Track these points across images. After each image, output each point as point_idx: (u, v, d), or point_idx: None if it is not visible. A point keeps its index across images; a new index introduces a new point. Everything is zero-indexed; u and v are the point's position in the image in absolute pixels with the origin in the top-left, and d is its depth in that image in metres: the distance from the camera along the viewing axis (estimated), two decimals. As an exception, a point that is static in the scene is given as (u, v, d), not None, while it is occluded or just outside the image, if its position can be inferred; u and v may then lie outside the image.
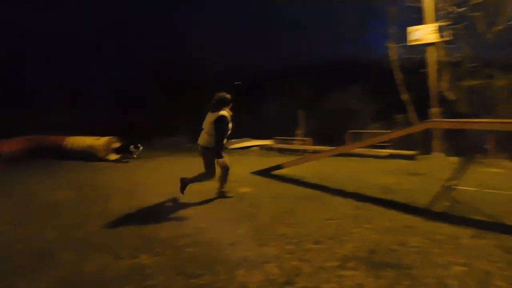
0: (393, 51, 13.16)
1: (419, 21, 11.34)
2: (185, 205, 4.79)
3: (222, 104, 4.68)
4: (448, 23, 11.21)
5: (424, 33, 10.74)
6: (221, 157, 4.67)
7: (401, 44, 12.52)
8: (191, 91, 19.69)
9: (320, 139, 12.90)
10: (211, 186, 5.35)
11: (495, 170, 7.02)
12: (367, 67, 15.64)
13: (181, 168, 8.28)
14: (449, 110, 11.74)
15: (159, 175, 7.39)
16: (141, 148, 9.92)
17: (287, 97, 16.23)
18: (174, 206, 4.80)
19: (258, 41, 22.97)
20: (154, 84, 20.40)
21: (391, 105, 13.67)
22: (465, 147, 7.43)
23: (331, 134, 12.98)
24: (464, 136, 9.87)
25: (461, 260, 2.88)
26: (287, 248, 3.23)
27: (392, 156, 9.22)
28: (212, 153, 4.66)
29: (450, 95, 12.04)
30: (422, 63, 11.60)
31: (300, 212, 4.40)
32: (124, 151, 9.93)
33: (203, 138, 4.74)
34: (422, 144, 11.10)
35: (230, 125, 4.69)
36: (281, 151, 11.86)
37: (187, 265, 2.92)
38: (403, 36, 11.74)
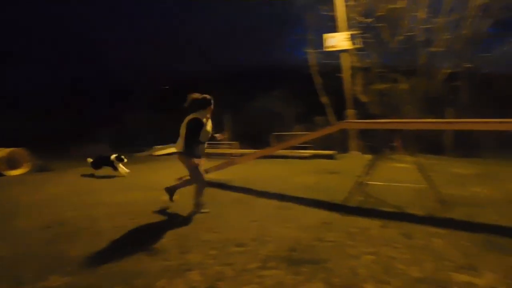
0: (312, 57, 13.93)
1: (334, 29, 12.19)
2: (101, 218, 4.49)
3: (196, 106, 4.33)
4: (359, 32, 12.23)
5: (338, 40, 11.58)
6: (191, 163, 4.24)
7: (318, 50, 13.31)
8: (114, 97, 18.70)
9: (247, 143, 13.11)
10: (130, 196, 5.10)
11: (401, 165, 7.80)
12: (289, 72, 16.33)
13: (98, 179, 7.76)
14: (363, 111, 12.80)
15: (73, 187, 6.83)
16: (125, 160, 8.05)
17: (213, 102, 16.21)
18: (89, 219, 4.46)
19: (184, 45, 22.67)
20: (69, 90, 18.96)
21: (313, 107, 14.42)
22: (376, 145, 8.16)
23: (257, 137, 13.27)
24: (376, 135, 10.85)
25: (371, 249, 3.13)
26: (210, 253, 3.20)
27: (314, 157, 9.73)
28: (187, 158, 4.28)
29: (363, 98, 13.13)
30: (338, 68, 12.47)
31: (225, 216, 4.41)
32: (103, 163, 8.07)
33: (178, 144, 4.36)
34: (341, 143, 11.92)
35: (209, 128, 4.37)
36: (208, 155, 11.74)
37: (103, 282, 2.72)
38: (321, 43, 12.50)
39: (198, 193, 4.48)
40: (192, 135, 4.20)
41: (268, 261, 2.96)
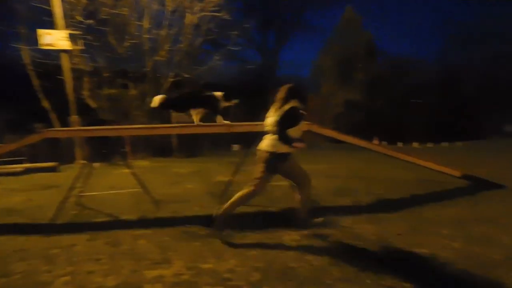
0: (26, 54, 11.84)
1: (52, 25, 10.85)
2: None
3: (289, 97, 3.37)
4: (80, 32, 11.40)
5: (55, 38, 10.39)
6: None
7: (34, 47, 11.47)
8: None
9: None
10: None
11: (126, 170, 7.85)
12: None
13: None
14: (93, 117, 12.12)
15: None
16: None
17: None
18: None
19: None
20: None
21: (30, 113, 12.36)
22: (106, 152, 7.90)
23: None
24: (106, 141, 10.49)
25: (69, 269, 2.86)
26: None
27: (29, 171, 8.31)
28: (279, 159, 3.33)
29: (92, 103, 12.41)
30: (60, 69, 11.21)
31: None
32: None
33: (267, 142, 3.38)
34: (67, 153, 10.84)
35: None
36: None
37: None
38: (37, 39, 10.84)
39: (304, 200, 3.59)
40: (289, 124, 3.28)
41: None
